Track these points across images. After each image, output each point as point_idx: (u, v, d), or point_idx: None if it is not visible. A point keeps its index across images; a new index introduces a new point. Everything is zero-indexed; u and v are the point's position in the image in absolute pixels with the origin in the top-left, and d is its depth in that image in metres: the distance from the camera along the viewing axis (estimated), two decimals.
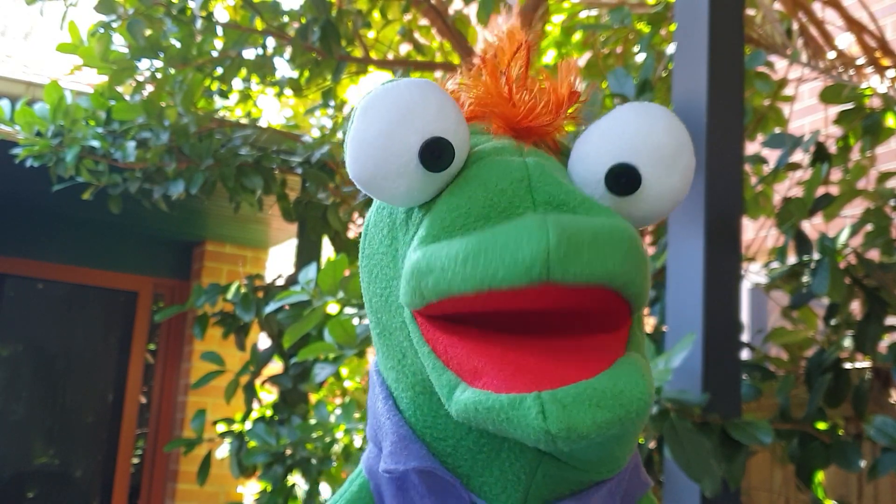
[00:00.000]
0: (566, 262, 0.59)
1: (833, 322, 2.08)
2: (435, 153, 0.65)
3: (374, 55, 3.64)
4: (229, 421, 3.16)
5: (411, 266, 0.64)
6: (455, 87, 0.75)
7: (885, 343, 2.04)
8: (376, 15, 3.56)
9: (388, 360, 0.73)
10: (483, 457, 0.68)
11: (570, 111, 0.72)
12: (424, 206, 0.68)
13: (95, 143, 3.15)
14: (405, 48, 4.13)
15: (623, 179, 0.67)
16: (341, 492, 0.76)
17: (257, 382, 3.21)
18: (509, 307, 0.61)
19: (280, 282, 3.33)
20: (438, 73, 3.48)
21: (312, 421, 2.75)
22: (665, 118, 0.69)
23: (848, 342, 2.03)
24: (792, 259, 2.07)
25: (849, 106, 2.47)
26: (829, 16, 2.85)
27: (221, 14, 3.83)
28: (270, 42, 3.23)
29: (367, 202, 2.80)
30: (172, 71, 3.12)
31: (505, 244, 0.60)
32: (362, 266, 0.76)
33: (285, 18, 3.20)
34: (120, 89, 3.19)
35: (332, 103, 3.73)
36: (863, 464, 1.80)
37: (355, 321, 2.22)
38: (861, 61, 2.61)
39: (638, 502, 0.76)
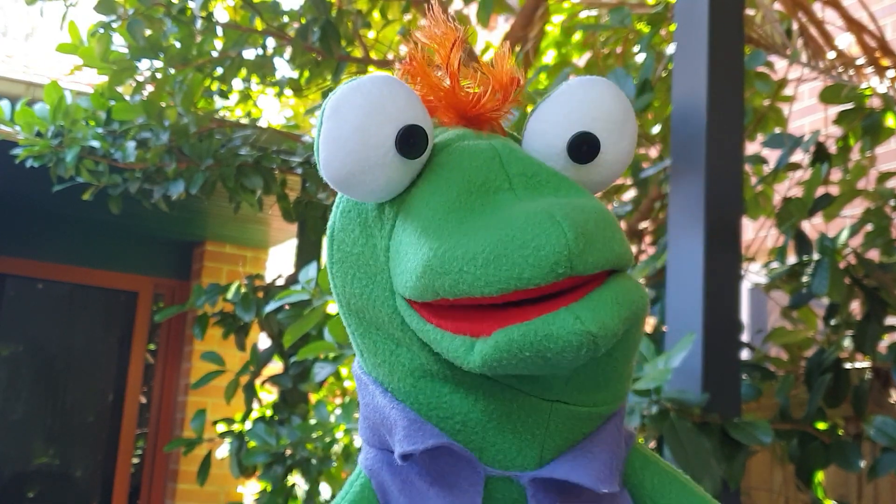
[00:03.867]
0: (585, 254, 0.62)
1: (833, 322, 2.08)
2: (412, 140, 0.68)
3: (374, 55, 3.64)
4: (229, 421, 3.15)
5: (423, 264, 0.65)
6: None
7: (885, 343, 2.05)
8: (376, 15, 3.56)
9: (377, 357, 0.73)
10: (494, 424, 0.69)
11: (513, 95, 0.75)
12: (395, 200, 0.71)
13: (95, 144, 3.15)
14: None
15: (584, 147, 0.72)
16: (342, 494, 0.75)
17: (257, 382, 3.21)
18: (526, 297, 0.64)
19: (280, 282, 3.33)
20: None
21: (312, 421, 2.75)
22: (611, 87, 0.74)
23: (848, 342, 2.03)
24: (792, 259, 2.07)
25: (849, 106, 2.47)
26: (829, 16, 2.85)
27: (221, 14, 3.83)
28: (270, 42, 3.23)
29: None
30: (172, 71, 3.12)
31: (524, 244, 0.62)
32: (334, 273, 0.76)
33: (285, 18, 3.20)
34: (120, 89, 3.19)
35: None
36: (863, 464, 1.80)
37: None
38: (861, 61, 2.61)
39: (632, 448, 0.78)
